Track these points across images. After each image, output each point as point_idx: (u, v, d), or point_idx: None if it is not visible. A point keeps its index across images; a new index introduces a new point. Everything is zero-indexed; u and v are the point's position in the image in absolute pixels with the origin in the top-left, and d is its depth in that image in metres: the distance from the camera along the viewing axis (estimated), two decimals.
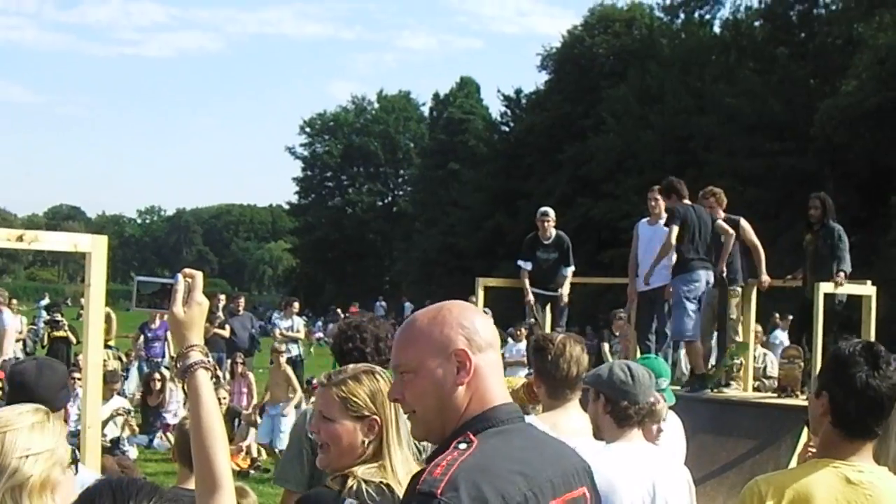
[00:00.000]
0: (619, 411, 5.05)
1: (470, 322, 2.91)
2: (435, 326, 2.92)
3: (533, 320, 15.53)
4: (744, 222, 13.73)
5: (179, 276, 3.17)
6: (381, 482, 3.85)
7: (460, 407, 2.86)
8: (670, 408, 6.37)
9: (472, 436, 2.78)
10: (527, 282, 15.46)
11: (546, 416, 5.44)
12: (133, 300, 3.26)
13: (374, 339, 5.33)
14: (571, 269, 15.42)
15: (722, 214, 13.74)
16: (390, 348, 5.31)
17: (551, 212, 15.56)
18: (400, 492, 3.65)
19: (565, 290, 15.44)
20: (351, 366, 4.23)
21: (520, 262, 15.66)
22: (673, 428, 6.73)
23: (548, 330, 14.35)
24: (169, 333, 21.77)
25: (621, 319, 17.47)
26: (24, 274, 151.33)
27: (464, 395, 2.86)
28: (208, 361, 3.20)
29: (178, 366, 3.21)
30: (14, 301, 22.44)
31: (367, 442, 3.95)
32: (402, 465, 3.95)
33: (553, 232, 15.37)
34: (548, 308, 15.62)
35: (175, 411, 18.56)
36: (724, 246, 13.56)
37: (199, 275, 3.20)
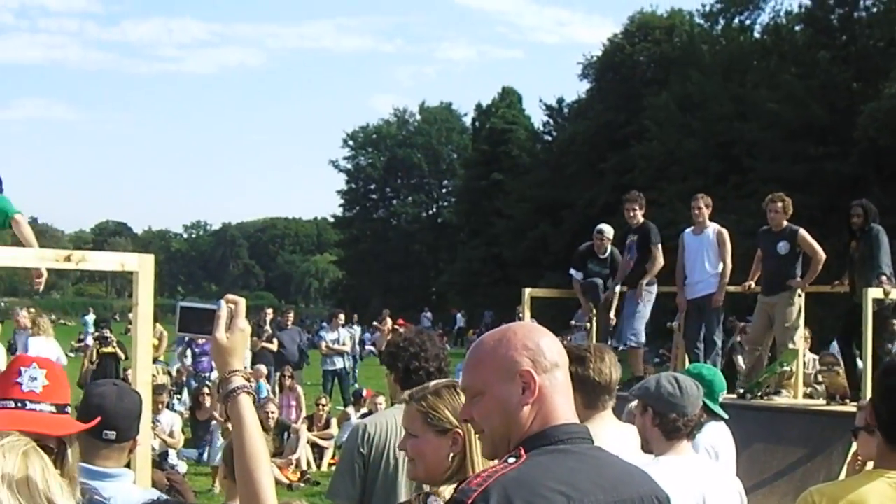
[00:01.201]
0: (667, 424, 5.02)
1: (535, 343, 2.91)
2: (500, 348, 2.93)
3: (587, 328, 15.50)
4: (803, 231, 13.63)
5: (222, 301, 3.18)
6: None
7: (524, 426, 2.85)
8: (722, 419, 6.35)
9: (522, 451, 2.78)
10: (580, 292, 15.46)
11: None
12: (176, 325, 3.27)
13: (436, 359, 5.32)
14: (619, 287, 15.34)
15: (785, 223, 13.62)
16: (432, 367, 5.33)
17: (608, 229, 15.45)
18: None
19: (612, 310, 15.38)
20: (433, 381, 4.25)
21: (572, 272, 15.62)
22: (723, 438, 6.71)
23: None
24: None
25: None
26: (71, 290, 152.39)
27: (528, 415, 2.86)
28: (250, 386, 3.21)
29: (221, 391, 3.24)
30: (47, 319, 22.43)
31: (452, 456, 3.94)
32: None
33: (608, 248, 15.31)
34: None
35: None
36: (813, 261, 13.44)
37: (241, 301, 3.21)
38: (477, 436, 3.87)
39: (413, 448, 3.99)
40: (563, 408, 2.91)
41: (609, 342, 14.18)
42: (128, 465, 4.38)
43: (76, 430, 3.46)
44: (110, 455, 4.05)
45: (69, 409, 3.57)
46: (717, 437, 6.47)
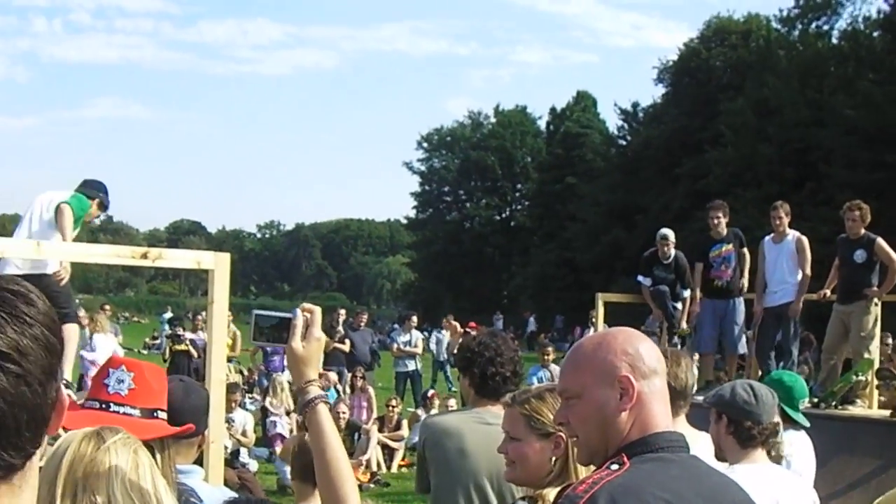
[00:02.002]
0: (742, 432, 4.96)
1: (634, 349, 2.91)
2: (599, 352, 2.93)
3: (657, 334, 15.47)
4: (880, 240, 13.49)
5: (298, 310, 3.17)
6: None
7: (622, 432, 2.85)
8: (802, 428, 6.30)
9: (625, 457, 2.78)
10: (649, 298, 15.46)
11: None
12: (251, 333, 3.27)
13: (511, 363, 5.30)
14: (688, 292, 15.30)
15: (863, 231, 13.49)
16: (506, 372, 5.34)
17: (671, 234, 15.45)
18: None
19: (682, 316, 15.37)
20: (535, 385, 4.28)
21: (640, 279, 15.64)
22: (800, 447, 6.64)
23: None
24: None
25: None
26: (146, 288, 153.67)
27: (626, 421, 2.85)
28: (325, 394, 3.21)
29: (298, 401, 3.23)
30: (104, 316, 22.64)
31: (554, 460, 3.96)
32: None
33: (672, 252, 15.28)
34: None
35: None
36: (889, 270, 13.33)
37: (317, 310, 3.21)
38: (572, 440, 3.91)
39: (514, 451, 4.01)
40: (662, 415, 2.91)
41: (681, 347, 14.19)
42: (199, 463, 4.41)
43: (155, 436, 3.49)
44: (178, 451, 4.07)
45: (161, 413, 3.61)
46: (794, 446, 6.41)
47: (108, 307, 29.77)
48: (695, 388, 5.41)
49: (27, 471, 1.76)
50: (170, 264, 6.04)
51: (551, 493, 3.76)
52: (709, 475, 2.97)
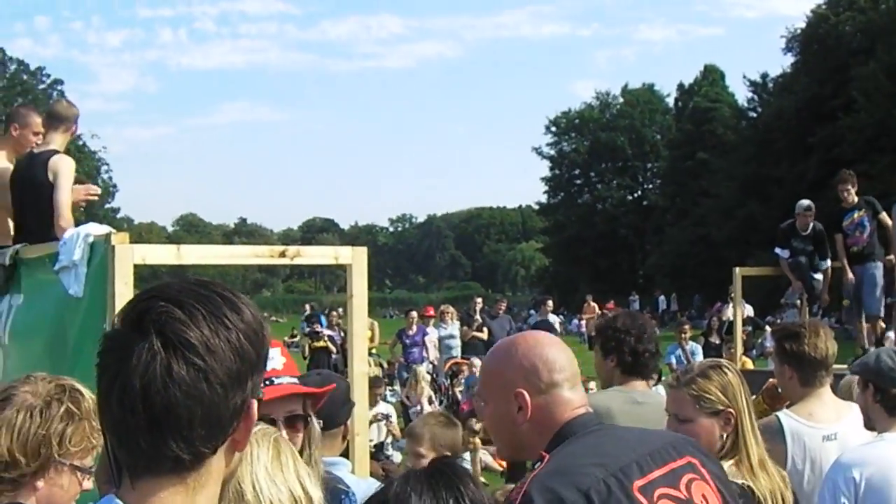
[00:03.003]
0: (889, 400, 4.87)
1: (532, 362, 2.96)
2: (499, 366, 3.04)
3: (798, 306, 15.35)
4: None
5: None
6: (742, 484, 3.87)
7: (530, 440, 2.94)
8: None
9: (544, 454, 2.84)
10: (788, 269, 15.31)
11: (800, 406, 5.26)
12: None
13: (654, 341, 5.30)
14: (828, 263, 15.12)
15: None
16: (648, 349, 5.34)
17: (812, 206, 15.30)
18: (761, 493, 3.87)
19: (824, 287, 15.21)
20: (698, 363, 4.30)
21: (778, 251, 15.47)
22: None
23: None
24: (426, 339, 22.06)
25: None
26: (282, 287, 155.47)
27: (530, 431, 2.93)
28: None
29: None
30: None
31: (725, 436, 4.00)
32: (760, 462, 4.01)
33: (811, 223, 15.12)
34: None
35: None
36: None
37: None
38: (746, 414, 4.00)
39: (686, 432, 3.93)
40: (568, 409, 2.94)
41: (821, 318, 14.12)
42: (346, 455, 4.48)
43: (327, 390, 3.80)
44: (324, 443, 4.14)
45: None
46: None
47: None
48: (835, 356, 5.32)
49: (203, 475, 1.81)
50: (308, 261, 6.13)
51: (726, 464, 3.77)
52: (628, 431, 3.11)
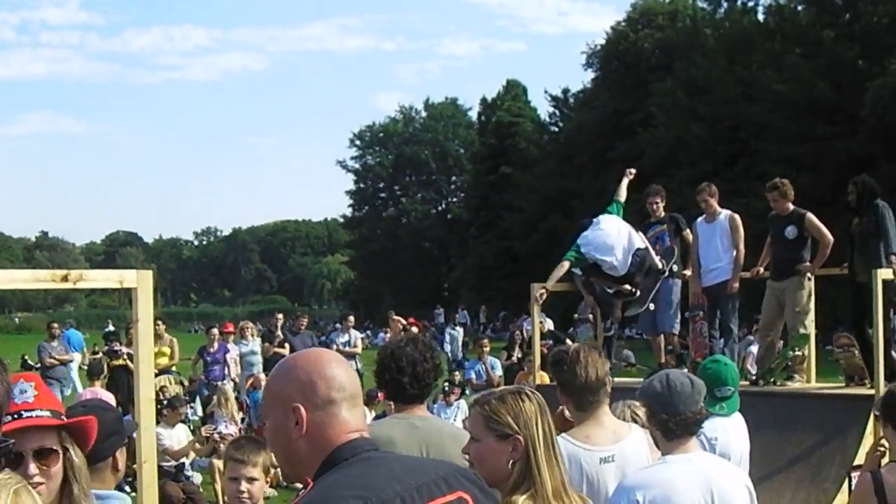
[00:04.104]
0: (660, 424, 4.96)
1: (310, 378, 2.95)
2: (280, 381, 3.02)
3: (590, 320, 15.51)
4: (810, 215, 13.53)
5: None
6: None
7: (306, 457, 2.93)
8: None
9: (310, 481, 2.87)
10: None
11: (577, 430, 5.31)
12: None
13: (411, 366, 5.27)
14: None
15: (790, 207, 13.53)
16: (429, 372, 5.33)
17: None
18: None
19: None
20: (500, 387, 4.30)
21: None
22: (736, 429, 6.67)
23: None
24: (227, 356, 21.81)
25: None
26: (85, 302, 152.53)
27: (305, 448, 2.92)
28: None
29: None
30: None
31: (512, 462, 3.94)
32: (555, 492, 3.94)
33: None
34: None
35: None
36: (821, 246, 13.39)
37: None
38: (540, 442, 3.91)
39: (474, 452, 4.04)
40: (339, 434, 2.93)
41: (613, 332, 14.32)
42: (133, 481, 4.35)
43: (73, 422, 3.58)
44: (93, 477, 3.99)
45: (64, 417, 3.61)
46: (719, 430, 6.47)
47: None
48: (608, 379, 5.38)
49: None
50: (92, 285, 5.94)
51: (521, 499, 3.83)
52: (402, 460, 3.08)
